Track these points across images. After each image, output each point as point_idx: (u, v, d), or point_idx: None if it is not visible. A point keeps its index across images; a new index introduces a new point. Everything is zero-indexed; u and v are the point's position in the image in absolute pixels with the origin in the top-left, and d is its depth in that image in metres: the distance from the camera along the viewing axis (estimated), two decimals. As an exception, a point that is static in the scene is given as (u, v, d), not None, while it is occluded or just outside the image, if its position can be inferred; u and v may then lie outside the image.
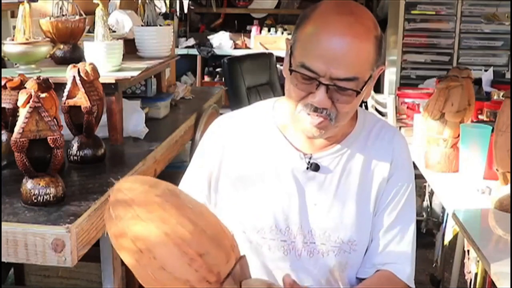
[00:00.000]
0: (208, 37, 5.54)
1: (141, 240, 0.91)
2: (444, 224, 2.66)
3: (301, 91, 1.15)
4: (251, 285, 0.95)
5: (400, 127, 2.86)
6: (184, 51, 5.29)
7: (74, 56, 2.08)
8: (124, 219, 0.93)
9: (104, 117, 1.81)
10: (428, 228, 3.03)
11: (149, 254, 0.91)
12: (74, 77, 1.64)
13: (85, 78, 1.64)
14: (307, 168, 1.25)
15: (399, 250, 1.27)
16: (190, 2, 5.50)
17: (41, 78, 1.47)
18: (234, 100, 3.63)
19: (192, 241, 0.91)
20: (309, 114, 1.16)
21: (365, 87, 1.16)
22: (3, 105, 1.58)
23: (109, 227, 0.95)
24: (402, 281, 1.25)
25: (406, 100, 3.06)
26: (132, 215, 0.92)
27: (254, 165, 1.27)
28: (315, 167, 1.25)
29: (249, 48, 5.54)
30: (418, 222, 2.99)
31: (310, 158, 1.25)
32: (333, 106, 1.14)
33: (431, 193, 2.93)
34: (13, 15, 2.42)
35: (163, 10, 4.49)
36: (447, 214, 2.52)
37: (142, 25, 2.38)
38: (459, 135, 2.00)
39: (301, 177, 1.25)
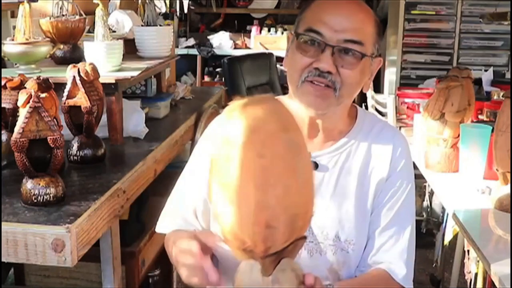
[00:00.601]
0: (208, 37, 5.55)
1: (236, 165, 0.87)
2: (444, 224, 2.66)
3: (307, 58, 1.17)
4: (284, 267, 0.93)
5: (400, 127, 2.86)
6: (184, 51, 5.30)
7: (74, 56, 2.08)
8: (236, 135, 0.88)
9: (104, 117, 1.81)
10: (428, 228, 3.03)
11: (229, 179, 0.88)
12: (74, 77, 1.64)
13: (85, 78, 1.64)
14: None
15: (394, 250, 1.26)
16: (190, 2, 5.50)
17: (41, 78, 1.47)
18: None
19: (271, 211, 0.87)
20: (312, 82, 1.17)
21: (368, 59, 1.19)
22: (3, 105, 1.58)
23: (221, 122, 0.91)
24: (397, 282, 1.25)
25: (406, 100, 3.07)
26: (245, 141, 0.87)
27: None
28: (314, 166, 1.25)
29: (249, 48, 5.55)
30: (418, 222, 2.99)
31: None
32: (338, 73, 1.17)
33: (431, 193, 2.93)
34: (13, 15, 2.42)
35: (163, 10, 4.49)
36: (447, 214, 2.52)
37: (142, 25, 2.37)
38: (459, 135, 2.00)
39: None
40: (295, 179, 0.88)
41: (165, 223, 1.35)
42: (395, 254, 1.26)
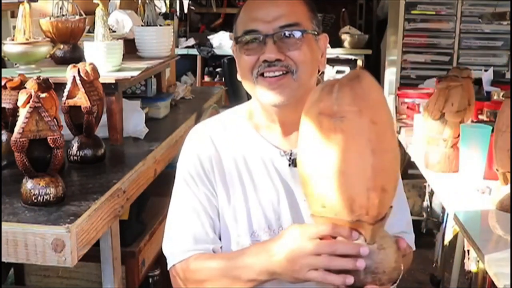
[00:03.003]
0: (208, 37, 5.54)
1: (344, 134, 0.89)
2: (444, 224, 2.66)
3: (252, 56, 1.19)
4: (383, 234, 0.96)
5: (400, 127, 2.86)
6: (184, 51, 5.29)
7: (74, 56, 2.08)
8: (344, 104, 0.90)
9: (104, 117, 1.81)
10: (428, 228, 3.02)
11: (341, 152, 0.89)
12: (74, 77, 1.64)
13: (85, 78, 1.64)
14: (289, 165, 1.25)
15: (403, 220, 1.31)
16: (190, 2, 5.49)
17: (41, 78, 1.47)
18: (234, 100, 3.63)
19: (386, 175, 0.91)
20: (266, 77, 1.18)
21: (310, 36, 1.20)
22: (3, 105, 1.58)
23: (320, 99, 0.93)
24: (410, 247, 1.29)
25: (406, 100, 3.06)
26: (356, 109, 0.90)
27: (239, 169, 1.27)
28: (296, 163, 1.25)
29: (249, 48, 5.53)
30: (418, 222, 3.00)
31: (290, 155, 1.26)
32: (288, 58, 1.18)
33: (431, 193, 2.93)
34: (13, 15, 2.42)
35: (163, 10, 4.48)
36: (447, 214, 2.52)
37: (142, 25, 2.38)
38: (459, 135, 2.00)
39: (286, 174, 1.26)
40: (396, 144, 0.94)
41: (179, 251, 1.26)
42: (404, 223, 1.32)
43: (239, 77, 1.27)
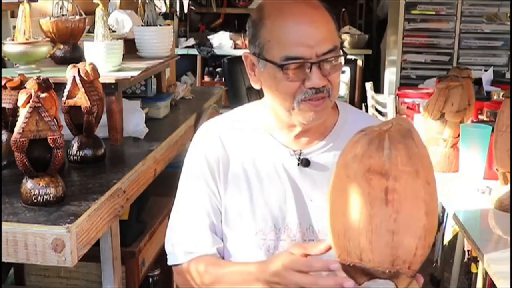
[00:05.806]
0: (208, 37, 5.54)
1: (398, 195, 0.87)
2: (444, 224, 2.66)
3: (295, 82, 1.17)
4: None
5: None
6: (184, 51, 5.29)
7: (74, 56, 2.08)
8: (399, 164, 0.88)
9: (104, 117, 1.81)
10: (428, 228, 3.02)
11: (393, 212, 0.88)
12: (74, 77, 1.64)
13: (85, 78, 1.64)
14: (298, 164, 1.25)
15: None
16: (190, 2, 5.49)
17: (41, 78, 1.47)
18: (234, 100, 3.63)
19: (434, 230, 0.90)
20: (310, 100, 1.18)
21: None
22: (3, 105, 1.58)
23: (369, 155, 0.90)
24: None
25: (406, 100, 3.06)
26: (413, 169, 0.87)
27: (246, 168, 1.27)
28: (306, 163, 1.25)
29: (249, 48, 5.53)
30: (418, 222, 3.00)
31: (300, 154, 1.26)
32: (328, 82, 1.18)
33: (431, 193, 2.93)
34: (13, 15, 2.42)
35: (163, 10, 4.47)
36: (447, 214, 2.52)
37: (142, 25, 2.37)
38: (459, 135, 2.00)
39: (294, 174, 1.26)
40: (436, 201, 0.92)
41: (179, 253, 1.29)
42: None
43: (255, 86, 1.26)
